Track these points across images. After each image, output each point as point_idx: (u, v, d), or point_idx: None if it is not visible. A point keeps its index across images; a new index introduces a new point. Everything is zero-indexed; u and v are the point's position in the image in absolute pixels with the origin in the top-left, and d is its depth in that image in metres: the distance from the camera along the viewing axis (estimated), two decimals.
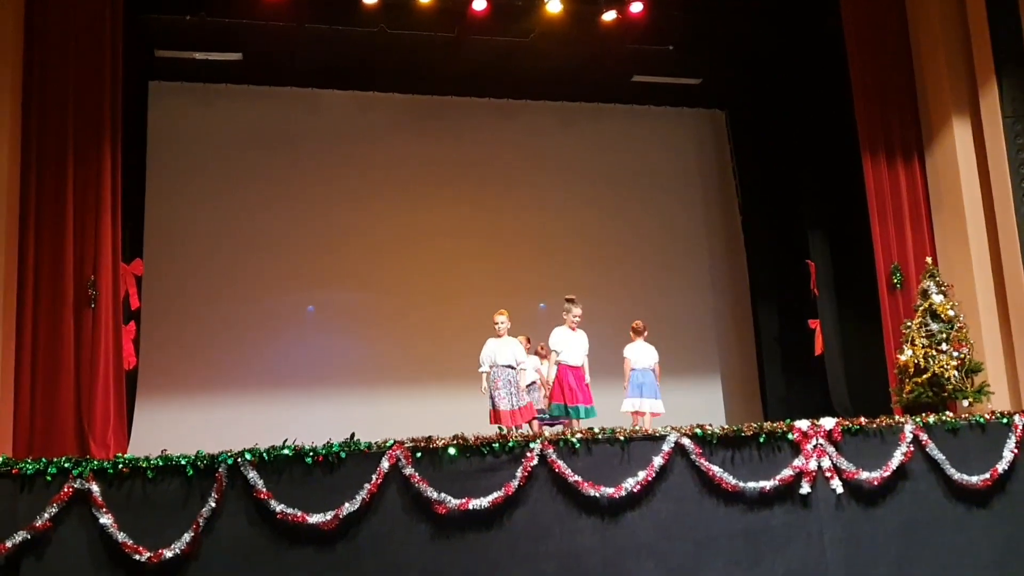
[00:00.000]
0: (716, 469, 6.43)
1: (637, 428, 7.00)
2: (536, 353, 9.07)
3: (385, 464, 5.83)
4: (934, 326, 8.28)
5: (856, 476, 6.72)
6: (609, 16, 9.75)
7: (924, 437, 7.00)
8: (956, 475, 6.97)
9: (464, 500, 5.88)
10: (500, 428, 6.79)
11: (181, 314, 10.36)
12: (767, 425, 6.74)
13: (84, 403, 7.49)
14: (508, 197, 11.81)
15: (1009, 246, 8.62)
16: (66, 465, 5.53)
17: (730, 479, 6.44)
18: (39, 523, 5.38)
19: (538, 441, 6.18)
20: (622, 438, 6.36)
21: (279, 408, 10.23)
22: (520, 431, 6.86)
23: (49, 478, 5.49)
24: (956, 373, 8.07)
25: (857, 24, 9.69)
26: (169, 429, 9.38)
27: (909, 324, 8.52)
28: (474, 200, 11.69)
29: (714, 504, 6.45)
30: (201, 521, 5.53)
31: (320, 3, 9.39)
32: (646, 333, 7.95)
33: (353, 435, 5.98)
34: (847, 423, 6.91)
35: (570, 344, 7.43)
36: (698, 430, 6.51)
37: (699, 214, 12.61)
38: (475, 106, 11.72)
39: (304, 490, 5.73)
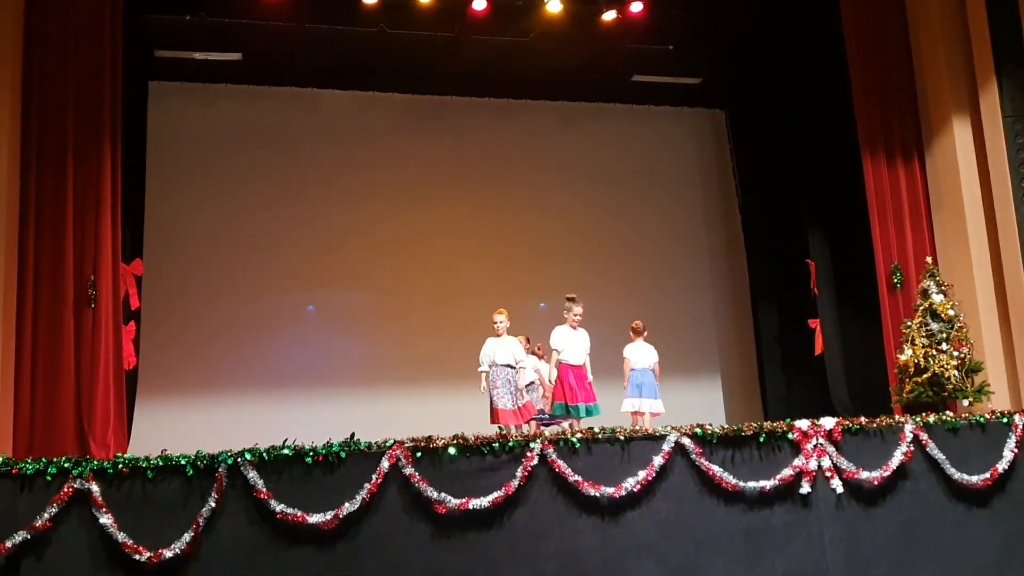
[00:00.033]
0: (716, 469, 6.43)
1: (637, 428, 6.99)
2: (534, 353, 9.05)
3: (385, 464, 5.83)
4: (934, 326, 8.28)
5: (856, 476, 6.72)
6: (609, 16, 9.75)
7: (924, 437, 6.99)
8: (956, 475, 6.97)
9: (464, 500, 5.88)
10: (500, 428, 6.80)
11: (181, 314, 10.37)
12: (767, 425, 6.75)
13: (84, 403, 7.49)
14: (508, 197, 11.81)
15: (1009, 246, 8.62)
16: (66, 465, 5.54)
17: (730, 479, 6.44)
18: (39, 523, 5.38)
19: (538, 441, 6.18)
20: (622, 438, 6.36)
21: (279, 408, 10.23)
22: (520, 430, 6.86)
23: (49, 478, 5.50)
24: (956, 373, 8.07)
25: (857, 24, 9.69)
26: (169, 429, 9.37)
27: (909, 324, 8.52)
28: (474, 200, 11.69)
29: (714, 504, 6.45)
30: (201, 521, 5.53)
31: (320, 3, 9.39)
32: (646, 333, 7.94)
33: (353, 435, 5.98)
34: (847, 423, 6.91)
35: (571, 343, 7.41)
36: (698, 430, 6.51)
37: (699, 214, 12.60)
38: (475, 106, 11.72)
39: (304, 490, 5.73)
